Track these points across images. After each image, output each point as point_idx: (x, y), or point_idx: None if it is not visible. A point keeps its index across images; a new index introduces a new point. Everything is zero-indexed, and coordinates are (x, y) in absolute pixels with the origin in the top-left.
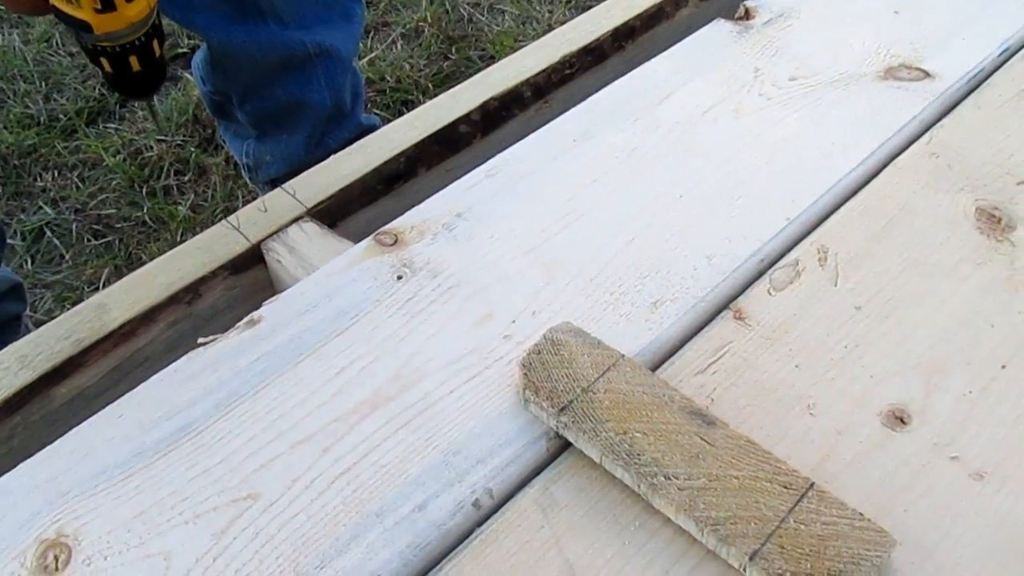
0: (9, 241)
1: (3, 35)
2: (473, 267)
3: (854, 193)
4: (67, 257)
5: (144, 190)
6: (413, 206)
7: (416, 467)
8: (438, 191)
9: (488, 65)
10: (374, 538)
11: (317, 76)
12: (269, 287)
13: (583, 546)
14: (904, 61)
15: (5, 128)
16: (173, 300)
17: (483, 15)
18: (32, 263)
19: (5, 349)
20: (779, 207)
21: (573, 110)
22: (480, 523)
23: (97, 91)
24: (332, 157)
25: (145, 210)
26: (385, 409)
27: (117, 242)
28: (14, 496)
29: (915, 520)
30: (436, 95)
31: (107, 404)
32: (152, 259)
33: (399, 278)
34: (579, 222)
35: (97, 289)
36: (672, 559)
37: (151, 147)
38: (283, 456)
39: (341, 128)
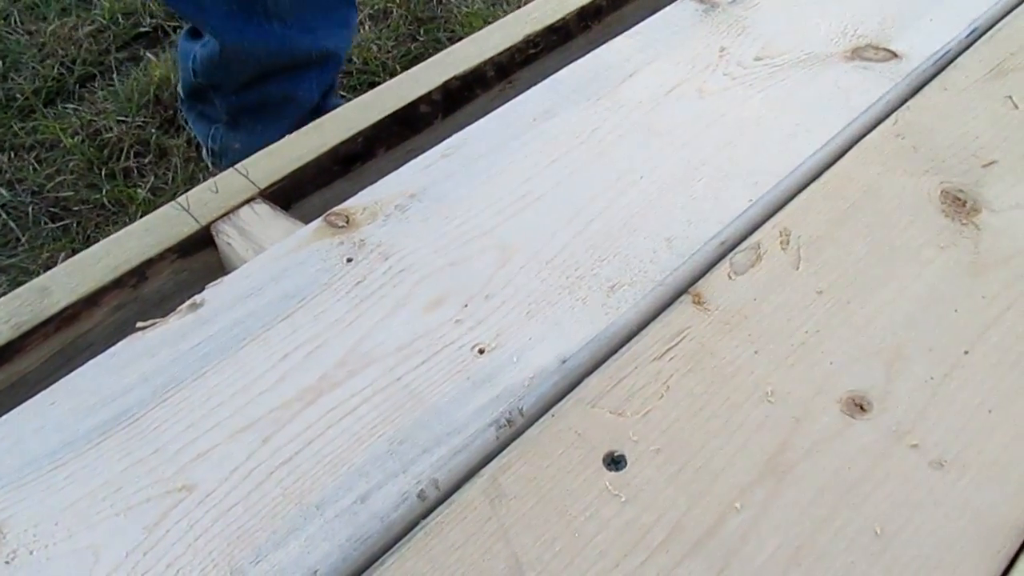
0: None
1: None
2: (425, 250)
3: (818, 175)
4: (23, 240)
5: (103, 172)
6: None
7: (360, 457)
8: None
9: None
10: (313, 531)
11: (311, 76)
12: (220, 270)
13: (531, 538)
14: (871, 41)
15: None
16: (118, 283)
17: None
18: None
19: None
20: (741, 189)
21: (534, 88)
22: (425, 515)
23: (56, 71)
24: (287, 137)
25: (104, 192)
26: (330, 396)
27: (75, 225)
28: None
29: (873, 509)
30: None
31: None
32: None
33: (348, 260)
34: (536, 204)
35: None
36: (623, 551)
37: (111, 128)
38: (221, 446)
39: (316, 116)
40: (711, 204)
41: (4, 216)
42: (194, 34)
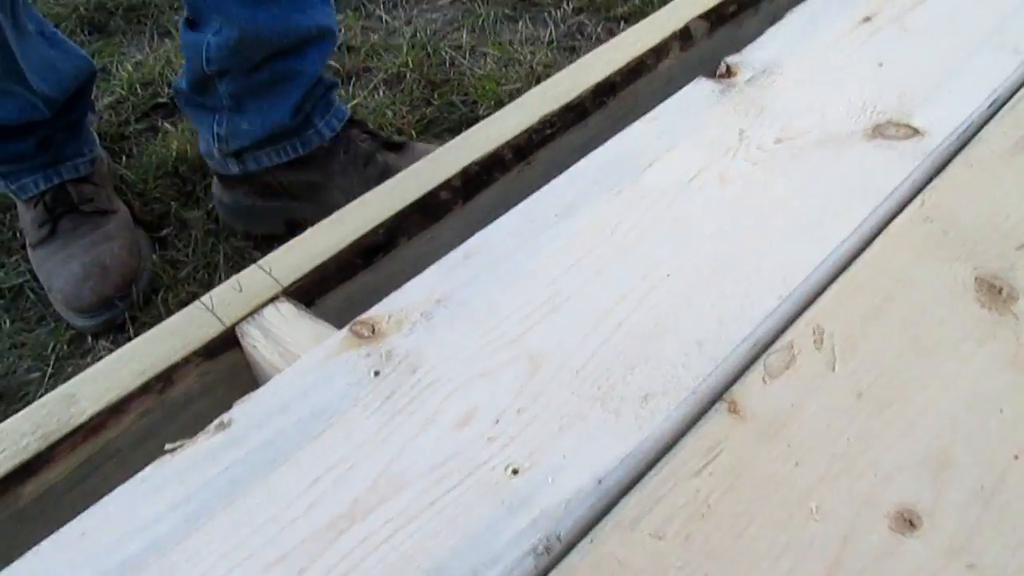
0: None
1: None
2: (453, 360)
3: (847, 265)
4: (47, 318)
5: None
6: (393, 279)
7: None
8: (419, 262)
9: (471, 110)
10: None
11: (313, 51)
12: (245, 369)
13: None
14: (891, 118)
15: None
16: (144, 389)
17: (464, 59)
18: (10, 323)
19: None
20: (770, 284)
21: (554, 182)
22: None
23: None
24: (308, 231)
25: None
26: (363, 524)
27: None
28: None
29: None
30: (420, 140)
31: (76, 501)
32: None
33: (376, 374)
34: (563, 307)
35: (76, 349)
36: None
37: (131, 202)
38: None
39: (325, 108)
40: (741, 302)
41: (29, 293)
42: (192, 25)
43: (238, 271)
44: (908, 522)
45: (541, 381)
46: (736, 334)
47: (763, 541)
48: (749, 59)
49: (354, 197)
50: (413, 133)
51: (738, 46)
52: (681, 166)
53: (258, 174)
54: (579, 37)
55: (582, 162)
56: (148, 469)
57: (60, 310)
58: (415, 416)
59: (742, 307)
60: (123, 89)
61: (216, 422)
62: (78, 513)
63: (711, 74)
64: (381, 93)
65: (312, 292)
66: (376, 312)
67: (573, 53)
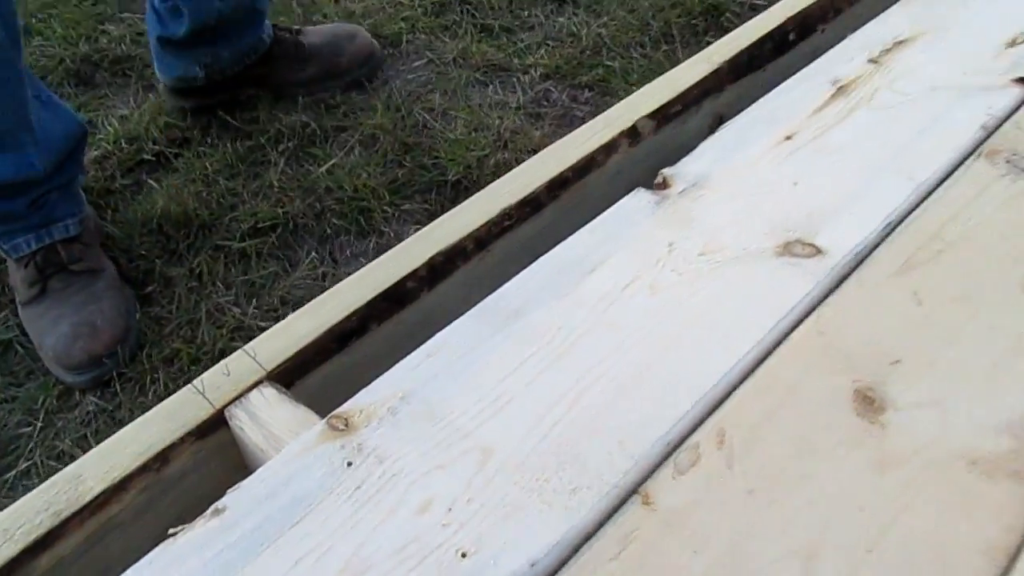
0: None
1: None
2: (415, 453)
3: (750, 373)
4: (36, 372)
5: None
6: (365, 361)
7: None
8: (388, 344)
9: (440, 174)
10: None
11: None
12: (233, 446)
13: None
14: (799, 236)
15: None
16: (144, 468)
17: (436, 121)
18: (0, 378)
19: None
20: (686, 388)
21: (507, 286)
22: None
23: None
24: (290, 317)
25: None
26: None
27: None
28: None
29: None
30: (392, 202)
31: (84, 569)
32: None
33: (349, 464)
34: (509, 406)
35: (64, 403)
36: None
37: (117, 260)
38: None
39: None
40: (659, 404)
41: (19, 348)
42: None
43: (219, 327)
44: None
45: (488, 473)
46: (653, 434)
47: None
48: (683, 171)
49: None
50: (385, 194)
51: (682, 141)
52: (617, 275)
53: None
54: (545, 103)
55: (532, 266)
56: (154, 552)
57: (50, 367)
58: (381, 505)
59: (660, 409)
60: (109, 144)
61: (211, 508)
62: None
63: (650, 183)
64: (356, 153)
65: (293, 374)
66: (349, 407)
67: (539, 119)
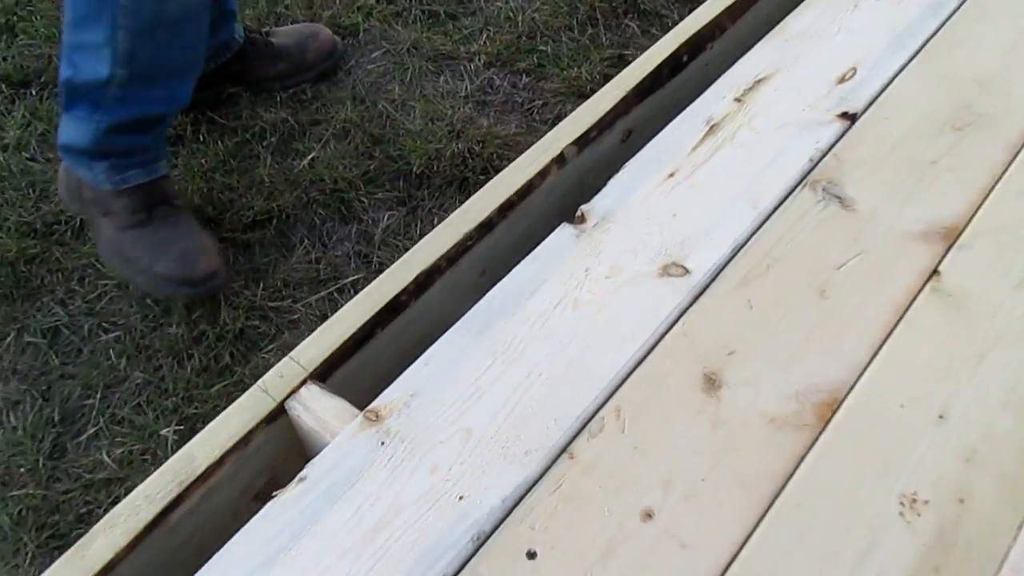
0: (29, 338)
1: None
2: (423, 435)
3: (637, 367)
4: (84, 351)
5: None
6: (375, 357)
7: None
8: (390, 344)
9: (405, 164)
10: None
11: None
12: (291, 429)
13: None
14: (674, 259)
15: (8, 236)
16: (234, 448)
17: (397, 112)
18: (57, 357)
19: (135, 491)
20: (595, 380)
21: (475, 308)
22: None
23: None
24: (319, 330)
25: (143, 308)
26: (386, 531)
27: (124, 336)
28: None
29: None
30: (367, 192)
31: (198, 521)
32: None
33: (382, 444)
34: (481, 399)
35: (112, 384)
36: None
37: None
38: (333, 566)
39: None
40: (578, 392)
41: (66, 331)
42: None
43: (235, 308)
44: (647, 515)
45: (472, 445)
46: (574, 412)
47: (587, 529)
48: (595, 207)
49: None
50: (360, 184)
51: (599, 157)
52: (549, 297)
53: None
54: (489, 91)
55: (492, 291)
56: (265, 508)
57: (157, 285)
58: (405, 469)
59: (579, 395)
60: None
61: (296, 478)
62: (201, 529)
63: (574, 199)
64: (332, 147)
65: (327, 372)
66: (377, 403)
67: (485, 107)
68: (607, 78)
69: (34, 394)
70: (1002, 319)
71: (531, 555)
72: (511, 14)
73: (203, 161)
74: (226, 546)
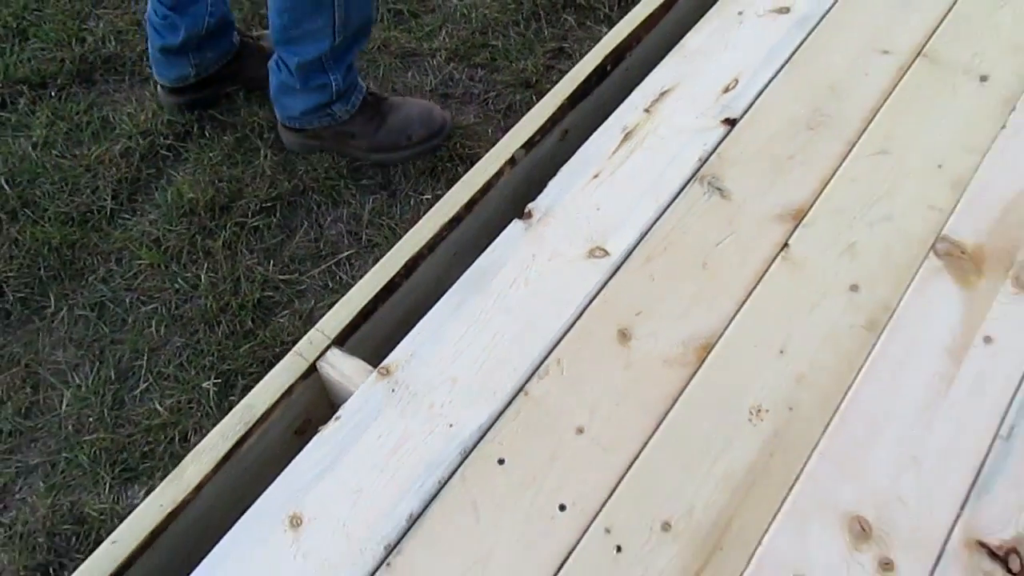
0: (79, 312)
1: (11, 142)
2: (421, 383)
3: (571, 327)
4: (128, 321)
5: (169, 268)
6: (377, 327)
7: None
8: (388, 315)
9: None
10: None
11: None
12: (320, 382)
13: None
14: (598, 244)
15: (50, 225)
16: (281, 399)
17: None
18: (105, 326)
19: (212, 432)
20: (541, 338)
21: (451, 291)
22: None
23: (110, 192)
24: (336, 306)
25: (174, 284)
26: (401, 452)
27: (161, 308)
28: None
29: None
30: (353, 180)
31: (260, 452)
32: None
33: (392, 391)
34: (462, 356)
35: (156, 348)
36: None
37: (167, 236)
38: (355, 480)
39: None
40: (530, 348)
41: (110, 305)
42: None
43: (251, 282)
44: (579, 430)
45: (457, 390)
46: (528, 362)
47: (538, 442)
48: (539, 205)
49: None
50: (347, 173)
51: (541, 157)
52: (508, 276)
53: None
54: (451, 84)
55: (465, 275)
56: (315, 438)
57: (422, 150)
58: (411, 410)
59: (531, 350)
60: (127, 140)
61: (333, 417)
62: (261, 456)
63: (520, 214)
64: None
65: (344, 337)
66: (387, 362)
67: (448, 100)
68: (549, 69)
69: (90, 358)
70: (829, 279)
71: (500, 462)
72: (465, 11)
73: (211, 155)
74: (290, 465)
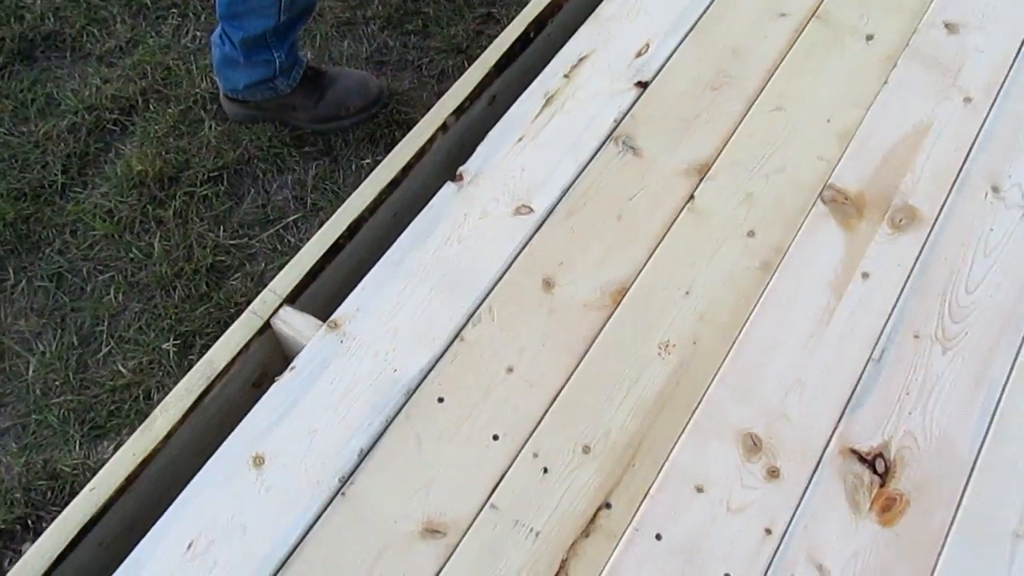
0: (38, 283)
1: None
2: (367, 334)
3: (500, 279)
4: (87, 289)
5: (123, 238)
6: (324, 284)
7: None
8: (334, 275)
9: None
10: None
11: None
12: (275, 338)
13: None
14: (523, 202)
15: (3, 201)
16: (240, 353)
17: None
18: (64, 295)
19: (177, 386)
20: (474, 288)
21: (392, 247)
22: None
23: (59, 166)
24: (286, 268)
25: (129, 252)
26: (352, 394)
27: (118, 275)
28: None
29: None
30: (297, 147)
31: (222, 401)
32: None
33: (341, 342)
34: (402, 308)
35: (116, 314)
36: None
37: (118, 207)
38: (307, 423)
39: None
40: (464, 297)
41: (68, 275)
42: None
43: (203, 247)
44: (509, 370)
45: (399, 337)
46: (463, 310)
47: (473, 382)
48: (468, 168)
49: None
50: (290, 141)
51: (471, 122)
52: (441, 236)
53: None
54: (386, 51)
55: (403, 235)
56: (272, 387)
57: (359, 119)
58: (358, 358)
59: (465, 299)
60: (73, 115)
61: (288, 367)
62: (223, 407)
63: (452, 177)
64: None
65: (295, 296)
66: (335, 316)
67: (383, 67)
68: (479, 34)
69: (52, 326)
70: (728, 227)
71: (440, 400)
72: None
73: (156, 128)
74: (250, 413)
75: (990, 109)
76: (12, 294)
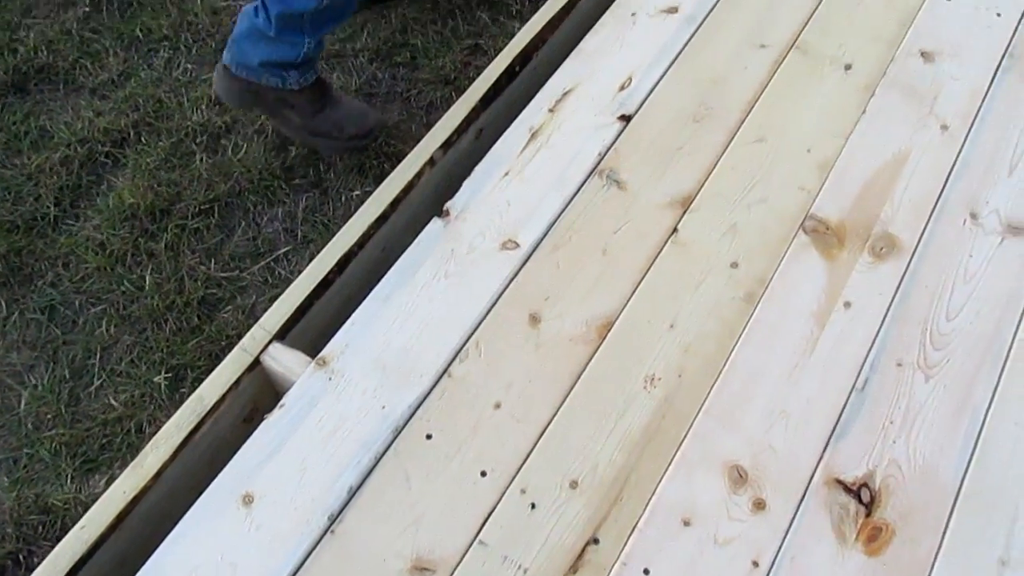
0: (30, 316)
1: None
2: (356, 371)
3: (487, 313)
4: (79, 323)
5: (115, 270)
6: (314, 319)
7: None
8: (324, 310)
9: (313, 154)
10: None
11: None
12: (265, 374)
13: None
14: (510, 237)
15: None
16: (229, 390)
17: None
18: (57, 328)
19: (167, 423)
20: (462, 323)
21: (386, 276)
22: None
23: (52, 199)
24: (276, 304)
25: (121, 286)
26: (338, 432)
27: (110, 308)
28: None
29: None
30: (287, 180)
31: (212, 442)
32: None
33: (329, 379)
34: (392, 344)
35: (107, 347)
36: None
37: (111, 240)
38: (290, 461)
39: None
40: (452, 333)
41: (60, 308)
42: None
43: (195, 280)
44: (497, 406)
45: (387, 373)
46: (451, 346)
47: (461, 418)
48: (455, 203)
49: None
50: (281, 173)
51: (459, 156)
52: (430, 271)
53: None
54: (374, 84)
55: (391, 270)
56: (263, 425)
57: (347, 146)
58: (346, 394)
59: (453, 335)
60: (66, 148)
61: (279, 404)
62: (214, 443)
63: (439, 213)
64: (256, 141)
65: (284, 332)
66: (324, 352)
67: (373, 99)
68: (467, 65)
69: (44, 359)
70: (712, 258)
71: (428, 436)
72: (384, 11)
73: (148, 161)
74: (240, 450)
75: (966, 136)
76: (4, 327)
